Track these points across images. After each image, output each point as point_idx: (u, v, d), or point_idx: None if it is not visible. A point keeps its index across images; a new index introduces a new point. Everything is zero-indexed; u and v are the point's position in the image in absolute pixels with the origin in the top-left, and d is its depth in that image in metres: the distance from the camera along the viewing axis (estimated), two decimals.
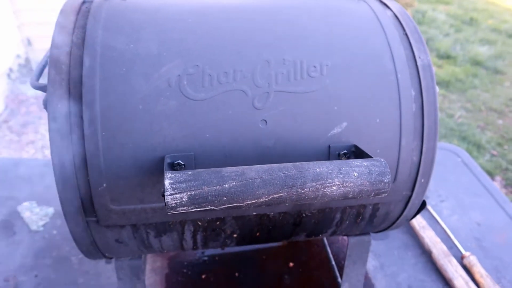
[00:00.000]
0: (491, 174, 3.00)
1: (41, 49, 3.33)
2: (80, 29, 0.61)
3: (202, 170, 0.49)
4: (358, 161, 0.52)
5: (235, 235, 0.70)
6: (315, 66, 0.62)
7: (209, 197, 0.48)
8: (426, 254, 1.07)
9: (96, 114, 0.56)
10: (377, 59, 0.65)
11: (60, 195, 0.58)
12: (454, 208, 1.19)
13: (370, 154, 0.59)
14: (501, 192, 1.25)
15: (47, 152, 2.98)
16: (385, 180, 0.51)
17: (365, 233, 0.81)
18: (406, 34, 0.69)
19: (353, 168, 0.51)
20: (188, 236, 0.68)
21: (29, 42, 3.33)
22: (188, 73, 0.59)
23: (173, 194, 0.47)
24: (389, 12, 0.72)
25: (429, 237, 1.06)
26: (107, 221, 0.62)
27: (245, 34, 0.63)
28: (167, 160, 0.57)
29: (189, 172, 0.49)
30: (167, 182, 0.48)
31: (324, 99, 0.61)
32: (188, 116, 0.58)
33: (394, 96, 0.64)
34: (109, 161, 0.57)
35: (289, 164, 0.51)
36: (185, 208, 0.48)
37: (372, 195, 0.52)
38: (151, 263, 1.04)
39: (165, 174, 0.49)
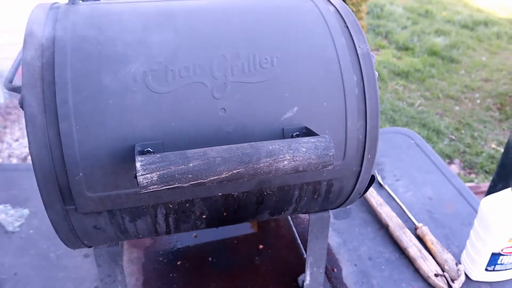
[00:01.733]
0: (450, 158, 3.18)
1: (6, 58, 3.27)
2: (50, 33, 0.67)
3: (169, 152, 0.56)
4: (306, 139, 0.60)
5: (204, 216, 0.77)
6: (266, 58, 0.69)
7: (176, 175, 0.54)
8: (383, 228, 1.16)
9: (69, 110, 0.62)
10: (321, 49, 0.73)
11: (39, 186, 0.63)
12: (408, 185, 1.30)
13: (321, 134, 0.67)
14: (449, 168, 1.37)
15: (14, 161, 2.95)
16: (329, 154, 0.59)
17: (324, 209, 0.90)
18: (346, 26, 0.77)
19: (302, 145, 0.59)
20: (161, 219, 0.74)
21: None
22: (152, 69, 0.65)
23: (144, 174, 0.54)
24: (331, 7, 0.81)
25: (386, 212, 1.16)
26: (84, 208, 0.67)
27: (203, 33, 0.70)
28: (138, 148, 0.63)
29: (157, 155, 0.55)
30: (138, 164, 0.54)
31: (276, 87, 0.69)
32: (154, 108, 0.64)
33: (338, 81, 0.72)
34: (84, 152, 0.63)
35: (246, 144, 0.58)
36: (155, 186, 0.54)
37: (319, 167, 0.60)
38: (128, 254, 1.09)
39: (136, 158, 0.55)
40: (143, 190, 0.54)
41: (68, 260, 1.05)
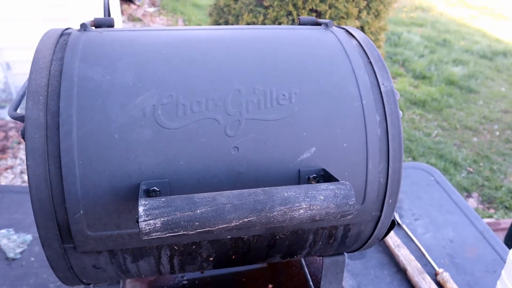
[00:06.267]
0: (468, 191, 3.08)
1: (20, 74, 3.33)
2: (58, 61, 0.64)
3: (175, 196, 0.52)
4: (324, 185, 0.55)
5: (211, 259, 0.71)
6: (284, 95, 0.65)
7: (182, 222, 0.50)
8: (401, 272, 1.09)
9: (73, 143, 0.58)
10: (342, 86, 0.69)
11: (37, 222, 0.59)
12: (428, 226, 1.23)
13: (338, 177, 0.62)
14: (472, 209, 1.30)
15: (26, 178, 2.94)
16: (350, 203, 0.54)
17: (339, 253, 0.84)
18: (370, 62, 0.73)
19: (320, 192, 0.54)
20: (165, 260, 0.69)
21: (8, 67, 3.32)
22: (162, 103, 0.61)
23: (146, 220, 0.49)
24: (354, 41, 0.77)
25: (404, 255, 1.09)
26: (84, 247, 0.63)
27: (217, 65, 0.66)
28: (143, 187, 0.59)
29: (162, 199, 0.51)
30: (141, 209, 0.50)
31: (293, 126, 0.64)
32: (162, 145, 0.60)
33: (360, 121, 0.68)
34: (86, 189, 0.59)
35: (259, 190, 0.53)
36: (158, 233, 0.50)
37: (338, 216, 0.55)
38: (131, 287, 1.04)
39: (139, 201, 0.51)
40: (145, 237, 0.50)
41: None
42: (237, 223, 0.51)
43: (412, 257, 1.09)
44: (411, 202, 1.31)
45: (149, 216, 0.49)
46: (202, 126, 0.62)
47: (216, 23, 2.60)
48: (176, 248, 0.67)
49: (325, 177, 0.64)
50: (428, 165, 1.45)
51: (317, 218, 0.54)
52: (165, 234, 0.50)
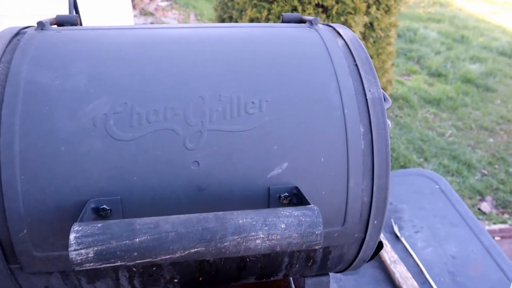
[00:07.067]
0: (481, 194, 2.96)
1: None
2: (6, 63, 0.58)
3: (113, 221, 0.45)
4: (288, 210, 0.48)
5: (176, 280, 0.65)
6: (253, 102, 0.58)
7: (118, 252, 0.43)
8: None
9: (14, 156, 0.53)
10: (322, 93, 0.61)
11: None
12: (429, 239, 1.15)
13: (314, 196, 0.55)
14: (477, 221, 1.21)
15: None
16: (316, 232, 0.47)
17: (323, 274, 0.77)
18: (356, 64, 0.65)
19: (281, 219, 0.47)
20: (124, 282, 0.63)
21: None
22: (115, 112, 0.55)
23: (78, 249, 0.43)
24: (340, 41, 0.69)
25: (400, 272, 1.02)
26: (31, 268, 0.57)
27: (182, 68, 0.59)
28: (91, 205, 0.53)
29: (98, 225, 0.45)
30: (72, 236, 0.43)
31: (263, 138, 0.57)
32: (113, 158, 0.54)
33: (341, 132, 0.60)
34: (29, 206, 0.53)
35: (210, 215, 0.46)
36: (92, 264, 0.44)
37: (303, 247, 0.48)
38: None
39: (72, 226, 0.44)
40: (77, 267, 0.44)
41: None
42: (183, 254, 0.44)
43: (409, 275, 1.01)
44: (412, 212, 1.23)
45: (80, 245, 0.43)
46: (159, 138, 0.55)
47: (221, 17, 2.53)
48: (134, 269, 0.61)
49: (298, 196, 0.57)
50: (433, 172, 1.36)
51: (278, 249, 0.47)
52: (100, 265, 0.44)
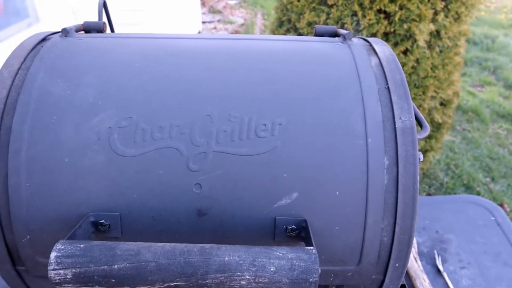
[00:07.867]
0: None
1: None
2: (25, 70, 0.59)
3: (97, 243, 0.44)
4: (281, 251, 0.43)
5: None
6: (265, 125, 0.54)
7: (96, 277, 0.42)
8: None
9: (21, 164, 0.53)
10: (343, 118, 0.55)
11: None
12: (476, 278, 1.03)
13: (326, 232, 0.50)
14: None
15: None
16: (310, 279, 0.42)
17: None
18: (388, 87, 0.59)
19: (272, 261, 0.42)
20: None
21: None
22: (120, 126, 0.53)
23: (56, 269, 0.42)
24: (374, 60, 0.62)
25: None
26: (36, 272, 0.58)
27: (192, 84, 0.57)
28: (90, 219, 0.53)
29: (81, 245, 0.43)
30: (52, 255, 0.43)
31: (272, 164, 0.53)
32: (115, 174, 0.53)
33: (361, 164, 0.54)
34: (32, 213, 0.54)
35: (196, 247, 0.43)
36: (70, 285, 0.42)
37: None
38: None
39: (55, 244, 0.44)
40: (56, 286, 0.43)
41: None
42: (161, 287, 0.42)
43: None
44: (460, 245, 1.11)
45: (59, 265, 0.42)
46: (162, 156, 0.53)
47: (280, 20, 2.50)
48: None
49: (305, 231, 0.52)
50: (491, 201, 1.23)
51: None
52: (78, 287, 0.42)
